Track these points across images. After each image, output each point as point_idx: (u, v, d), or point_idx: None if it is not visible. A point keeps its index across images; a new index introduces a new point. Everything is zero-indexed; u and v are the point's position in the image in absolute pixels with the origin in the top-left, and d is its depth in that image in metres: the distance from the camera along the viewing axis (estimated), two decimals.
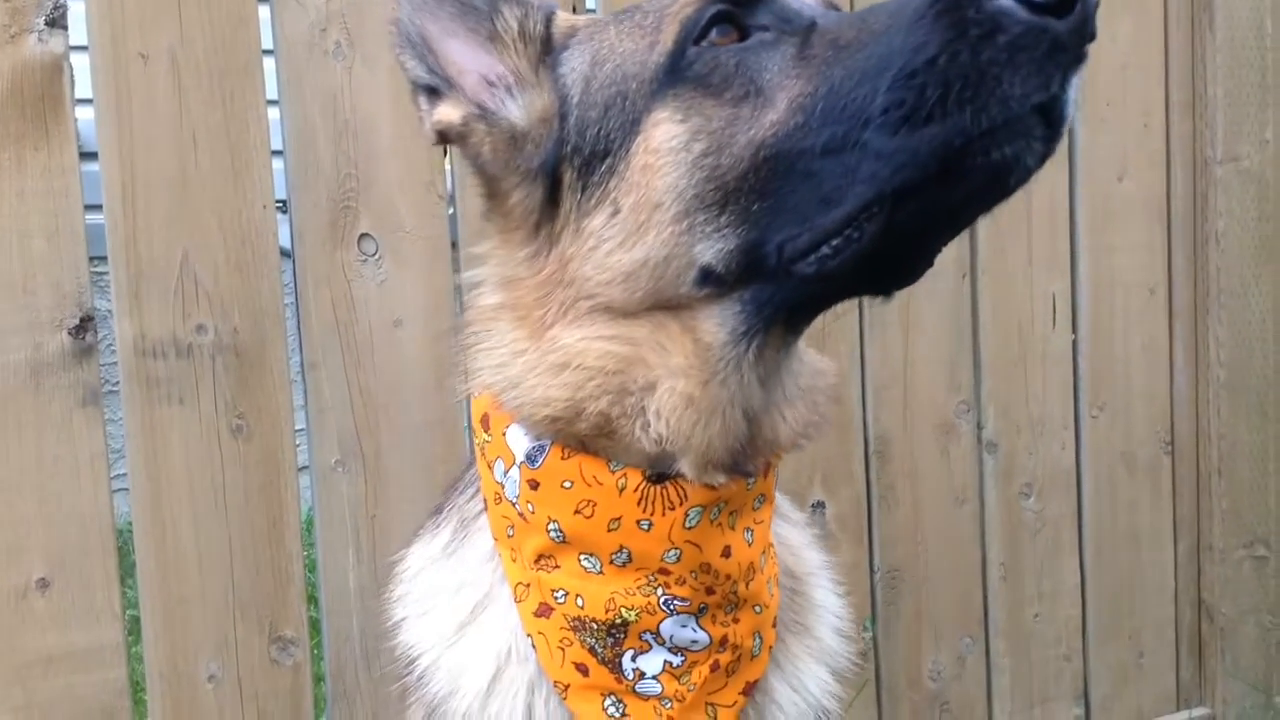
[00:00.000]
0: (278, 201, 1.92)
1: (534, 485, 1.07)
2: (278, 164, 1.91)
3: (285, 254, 1.93)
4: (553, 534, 1.07)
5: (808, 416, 1.10)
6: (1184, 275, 2.67)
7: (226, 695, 1.90)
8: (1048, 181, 2.50)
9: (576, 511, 1.05)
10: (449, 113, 1.10)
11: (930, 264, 1.07)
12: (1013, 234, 2.48)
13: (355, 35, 1.94)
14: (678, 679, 1.07)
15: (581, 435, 1.05)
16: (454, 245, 2.05)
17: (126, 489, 1.84)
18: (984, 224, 2.39)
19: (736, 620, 1.09)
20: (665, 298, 1.01)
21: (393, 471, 1.98)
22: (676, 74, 1.00)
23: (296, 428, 1.94)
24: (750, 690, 1.12)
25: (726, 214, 0.98)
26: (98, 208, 1.80)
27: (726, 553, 1.07)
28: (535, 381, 1.04)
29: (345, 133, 1.94)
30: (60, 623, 1.80)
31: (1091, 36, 0.95)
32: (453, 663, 1.12)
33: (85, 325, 1.79)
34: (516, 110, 1.10)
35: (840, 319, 2.31)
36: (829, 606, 1.25)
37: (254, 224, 1.88)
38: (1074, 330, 2.59)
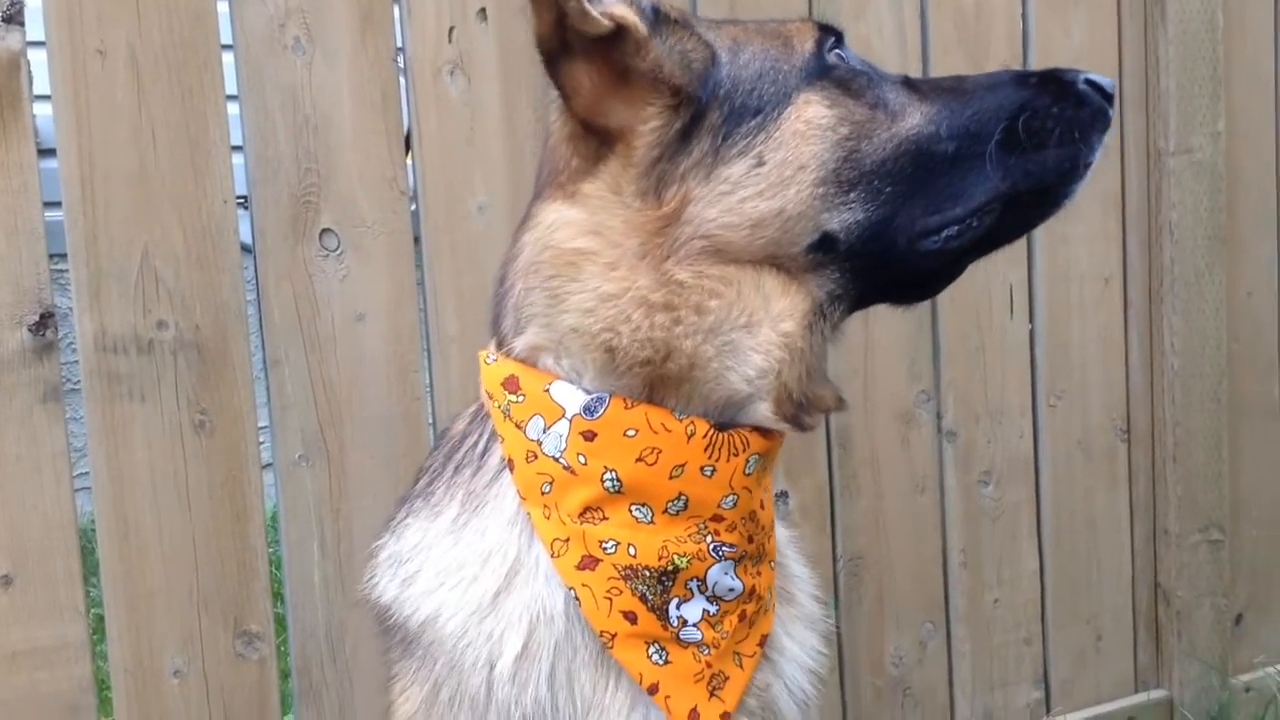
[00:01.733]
0: (238, 197, 1.92)
1: (589, 436, 1.12)
2: (238, 159, 1.91)
3: (246, 249, 1.94)
4: (608, 484, 1.12)
5: (834, 391, 1.21)
6: (1139, 266, 2.72)
7: (192, 690, 1.90)
8: None
9: (639, 459, 1.11)
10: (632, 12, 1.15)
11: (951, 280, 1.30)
12: None
13: (315, 30, 1.95)
14: (713, 627, 1.13)
15: (662, 377, 1.11)
16: (416, 240, 2.06)
17: (89, 486, 1.83)
18: None
19: (760, 574, 1.17)
20: (777, 252, 1.14)
21: (356, 466, 1.99)
22: (821, 71, 1.19)
23: (260, 424, 1.95)
24: (764, 643, 1.19)
25: (855, 191, 1.16)
26: (57, 204, 1.80)
27: (762, 504, 1.19)
28: (639, 321, 1.11)
29: (305, 128, 1.95)
30: (23, 620, 1.80)
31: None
32: (482, 630, 1.13)
33: (45, 322, 1.79)
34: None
35: None
36: (804, 576, 1.34)
37: (214, 219, 1.89)
38: (1031, 320, 2.63)
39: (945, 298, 2.50)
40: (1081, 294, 2.66)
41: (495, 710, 1.12)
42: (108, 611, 1.86)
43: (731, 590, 1.14)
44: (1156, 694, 2.79)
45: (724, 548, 1.14)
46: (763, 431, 1.15)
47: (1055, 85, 1.22)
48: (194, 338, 1.88)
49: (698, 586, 1.13)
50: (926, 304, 2.49)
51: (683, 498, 1.12)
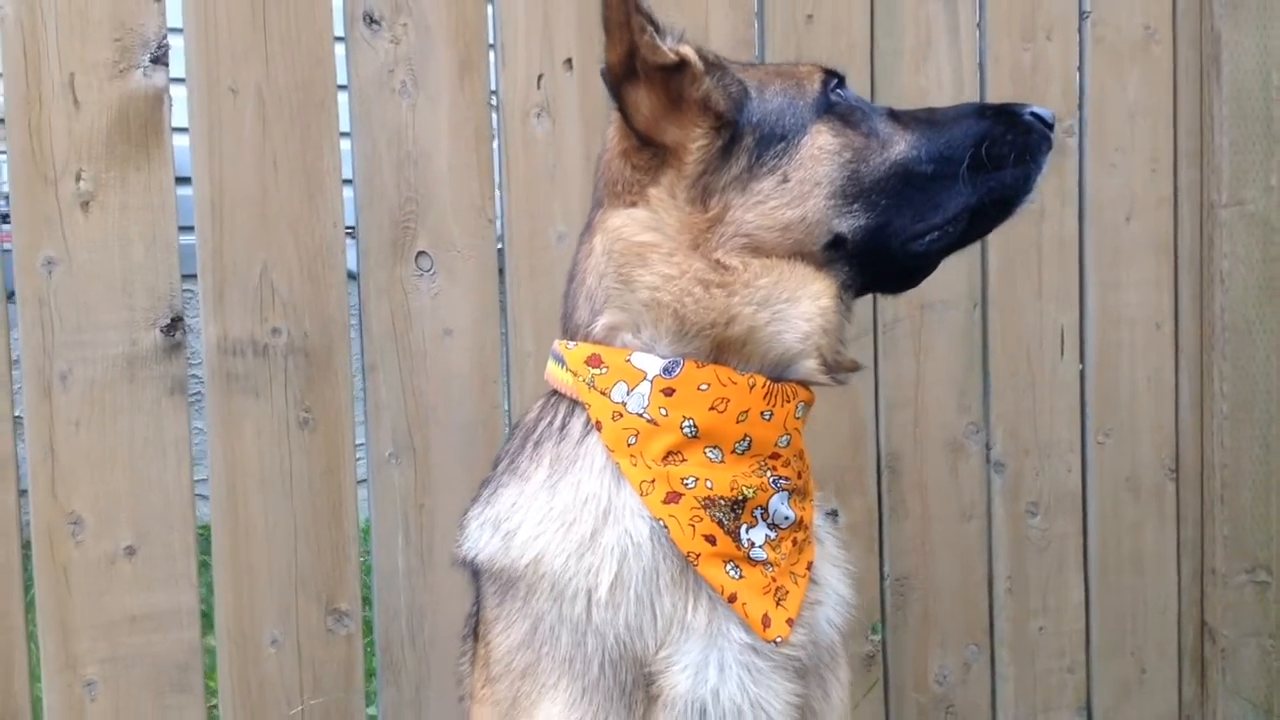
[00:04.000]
0: (347, 227, 2.16)
1: (668, 393, 1.35)
2: (347, 190, 2.16)
3: (351, 276, 2.17)
4: (686, 430, 1.34)
5: (851, 357, 1.47)
6: (1190, 312, 2.82)
7: (287, 659, 2.13)
8: (1056, 219, 2.68)
9: (711, 408, 1.34)
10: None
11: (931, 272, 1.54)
12: (1022, 268, 2.66)
13: (419, 75, 2.19)
14: (774, 549, 1.35)
15: (727, 339, 1.37)
16: (500, 271, 2.28)
17: (206, 470, 2.08)
18: (994, 257, 2.60)
19: (805, 508, 1.41)
20: (801, 250, 1.40)
21: (439, 465, 2.20)
22: (827, 107, 1.45)
23: (356, 422, 2.17)
24: (809, 569, 1.40)
25: (858, 203, 1.42)
26: (188, 228, 2.06)
27: (803, 452, 1.42)
28: (700, 294, 1.37)
29: (407, 162, 2.19)
30: (143, 586, 2.04)
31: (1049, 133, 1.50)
32: (584, 564, 1.34)
33: (175, 324, 2.04)
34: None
35: (856, 341, 2.50)
36: (826, 527, 1.54)
37: (325, 241, 2.13)
38: (1081, 360, 2.75)
39: (996, 336, 2.64)
40: (1132, 337, 2.78)
41: (593, 632, 1.32)
42: (216, 583, 2.10)
43: (787, 519, 1.36)
44: None
45: (781, 480, 1.37)
46: (805, 385, 1.41)
47: (1008, 117, 1.49)
48: (302, 344, 2.12)
49: (760, 514, 1.35)
50: (978, 341, 2.64)
51: (747, 439, 1.35)
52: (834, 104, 1.46)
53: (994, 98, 2.61)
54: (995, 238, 2.58)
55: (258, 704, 2.11)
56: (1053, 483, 2.72)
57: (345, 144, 2.16)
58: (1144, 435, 2.80)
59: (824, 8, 2.46)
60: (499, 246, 2.27)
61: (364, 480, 2.20)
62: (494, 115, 2.27)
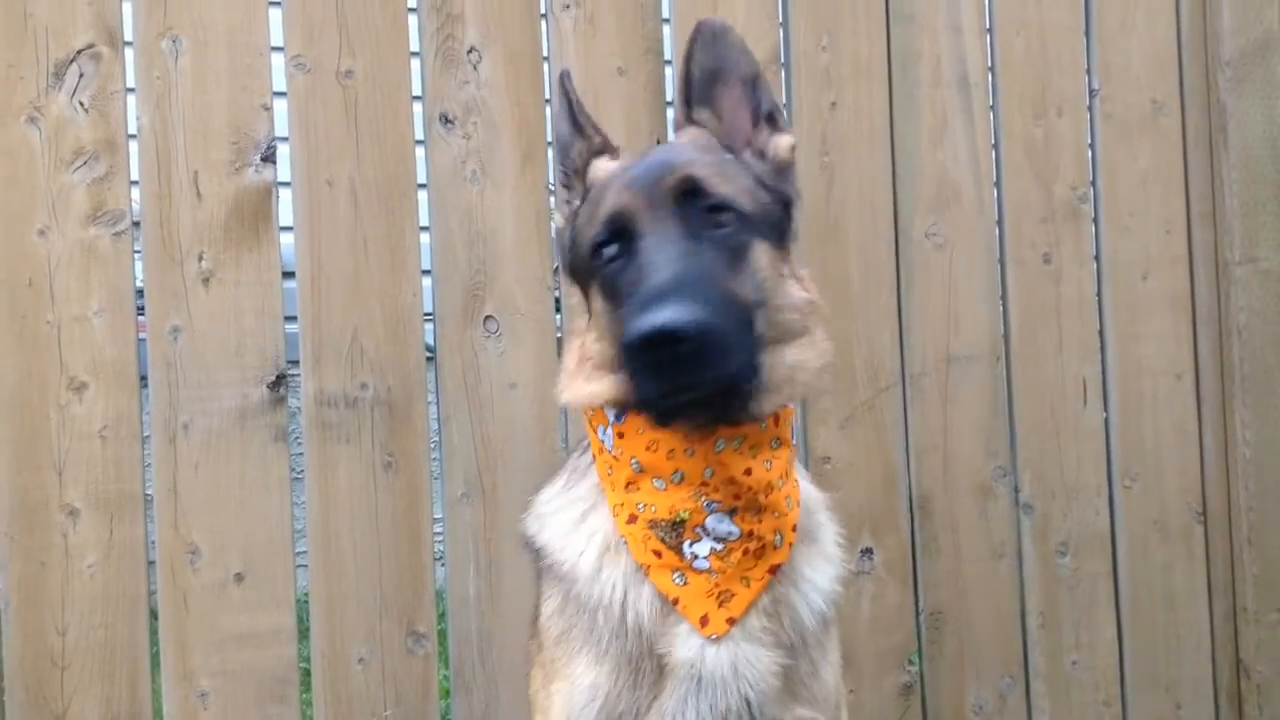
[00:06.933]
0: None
1: (620, 435, 1.61)
2: (425, 263, 2.50)
3: (429, 350, 2.50)
4: (634, 466, 1.60)
5: (789, 391, 1.60)
6: (1209, 363, 3.00)
7: (372, 675, 2.41)
8: (1074, 277, 2.90)
9: (647, 448, 1.58)
10: None
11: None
12: (1042, 324, 2.88)
13: (487, 165, 2.53)
14: (721, 559, 1.56)
15: None
16: (558, 332, 2.59)
17: (304, 506, 2.40)
18: (1014, 314, 2.84)
19: (760, 521, 1.58)
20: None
21: (506, 503, 2.49)
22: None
23: (432, 465, 2.48)
24: (775, 571, 1.60)
25: None
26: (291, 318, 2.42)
27: (748, 472, 1.57)
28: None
29: (477, 239, 2.52)
30: (249, 609, 2.36)
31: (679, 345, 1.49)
32: (571, 543, 1.64)
33: (280, 381, 2.39)
34: None
35: (886, 392, 2.75)
36: (829, 526, 1.75)
37: (405, 308, 2.47)
38: (1105, 409, 2.95)
39: (1020, 387, 2.86)
40: (1154, 388, 2.96)
41: (601, 609, 1.59)
42: (312, 607, 2.40)
43: (730, 534, 1.57)
44: None
45: (714, 504, 1.57)
46: (736, 423, 1.57)
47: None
48: (386, 397, 2.44)
49: (703, 531, 1.57)
50: (1003, 392, 2.85)
51: (679, 472, 1.57)
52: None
53: (1009, 171, 2.87)
54: (1015, 297, 2.84)
55: (346, 715, 2.40)
56: (1081, 524, 2.90)
57: (423, 220, 2.51)
58: (1169, 480, 2.97)
59: (846, 94, 2.75)
60: (557, 311, 2.58)
61: (439, 518, 2.51)
62: (551, 199, 2.60)
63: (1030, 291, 2.88)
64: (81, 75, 2.32)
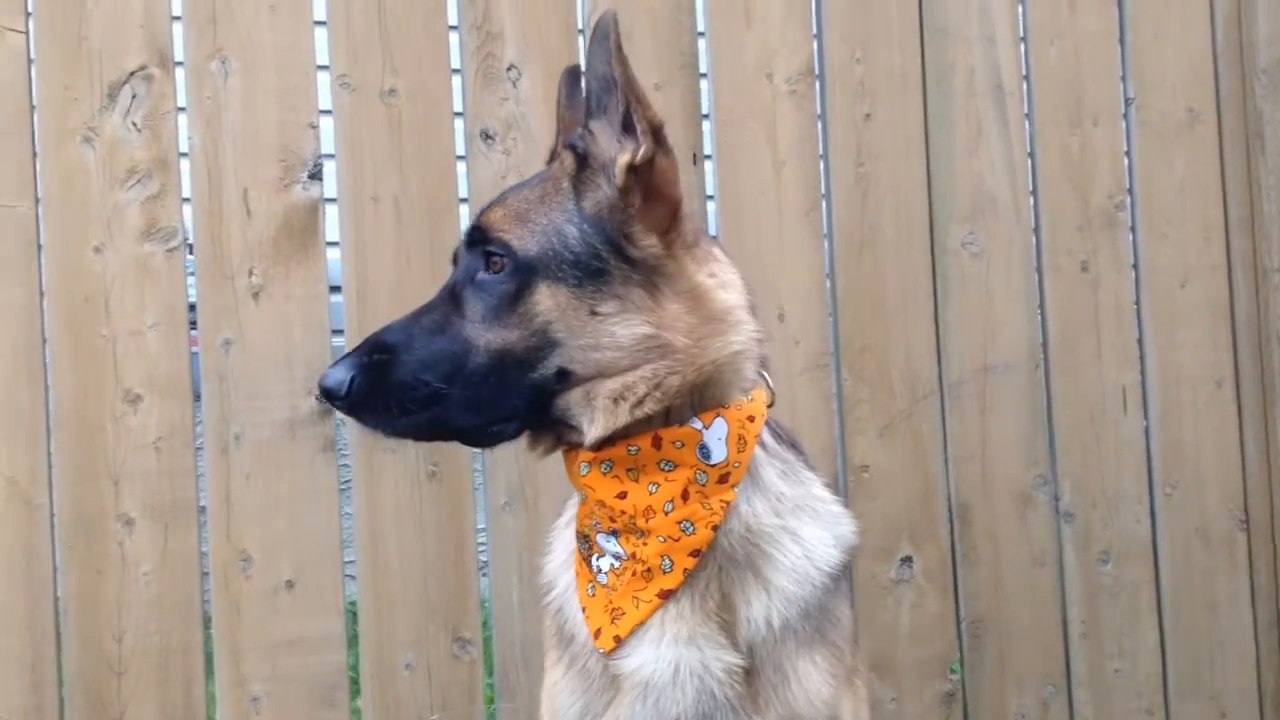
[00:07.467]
0: None
1: None
2: None
3: None
4: None
5: (607, 420, 1.53)
6: (1250, 370, 3.00)
7: (419, 680, 2.46)
8: (1112, 285, 2.91)
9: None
10: None
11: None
12: (1081, 330, 2.88)
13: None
14: (616, 576, 1.57)
15: None
16: None
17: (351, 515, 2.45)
18: (1052, 323, 2.85)
19: (645, 544, 1.53)
20: None
21: (548, 513, 2.51)
22: None
23: (476, 475, 2.53)
24: (667, 596, 1.54)
25: None
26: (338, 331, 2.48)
27: (622, 495, 1.53)
28: None
29: None
30: (300, 615, 2.41)
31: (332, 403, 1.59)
32: (555, 549, 1.74)
33: None
34: None
35: (924, 400, 2.76)
36: (825, 497, 1.68)
37: None
38: (1145, 417, 2.95)
39: (1059, 395, 2.87)
40: (1194, 396, 2.96)
41: (552, 606, 1.68)
42: (360, 613, 2.45)
43: (618, 555, 1.57)
44: None
45: (597, 524, 1.58)
46: (578, 448, 1.57)
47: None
48: None
49: (605, 547, 1.58)
50: (1041, 400, 2.86)
51: (581, 492, 1.60)
52: None
53: (1045, 180, 2.89)
54: (1052, 305, 2.85)
55: (395, 719, 2.44)
56: (1122, 532, 2.90)
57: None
58: (1211, 487, 2.96)
59: (880, 106, 2.78)
60: None
61: (483, 528, 2.55)
62: None
63: (1068, 300, 2.89)
64: (134, 96, 2.39)
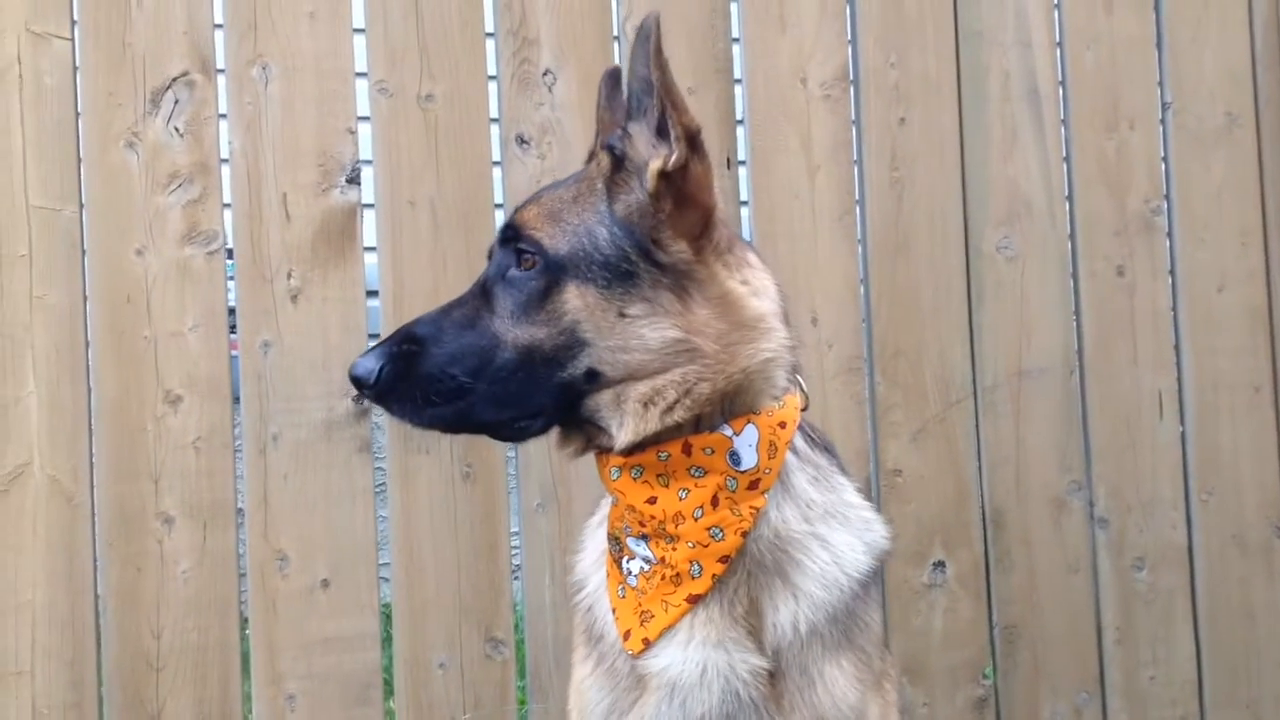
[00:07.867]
0: None
1: None
2: None
3: None
4: None
5: (637, 425, 1.53)
6: None
7: (452, 680, 2.48)
8: (1148, 290, 2.89)
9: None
10: None
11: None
12: (1117, 335, 2.87)
13: None
14: (646, 579, 1.58)
15: None
16: None
17: (386, 515, 2.48)
18: (1088, 328, 2.83)
19: (674, 549, 1.54)
20: None
21: (580, 514, 2.52)
22: None
23: (509, 476, 2.55)
24: (695, 601, 1.55)
25: None
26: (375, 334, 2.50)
27: (651, 500, 1.54)
28: None
29: None
30: (335, 614, 2.44)
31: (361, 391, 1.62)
32: (586, 548, 1.76)
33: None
34: None
35: (957, 405, 2.76)
36: (859, 504, 1.68)
37: None
38: (1181, 422, 2.93)
39: (1094, 400, 2.85)
40: (1231, 401, 2.94)
41: (583, 604, 1.71)
42: (394, 613, 2.48)
43: (647, 559, 1.58)
44: None
45: (628, 528, 1.59)
46: (608, 451, 1.57)
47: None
48: None
49: (634, 550, 1.59)
50: (1076, 405, 2.85)
51: (612, 496, 1.62)
52: None
53: (1081, 184, 2.87)
54: (1088, 310, 2.84)
55: (427, 718, 2.47)
56: (1157, 538, 2.88)
57: None
58: (1248, 494, 2.94)
59: (915, 110, 2.78)
60: None
61: (516, 531, 2.57)
62: None
63: (1104, 304, 2.87)
64: (176, 102, 2.43)
